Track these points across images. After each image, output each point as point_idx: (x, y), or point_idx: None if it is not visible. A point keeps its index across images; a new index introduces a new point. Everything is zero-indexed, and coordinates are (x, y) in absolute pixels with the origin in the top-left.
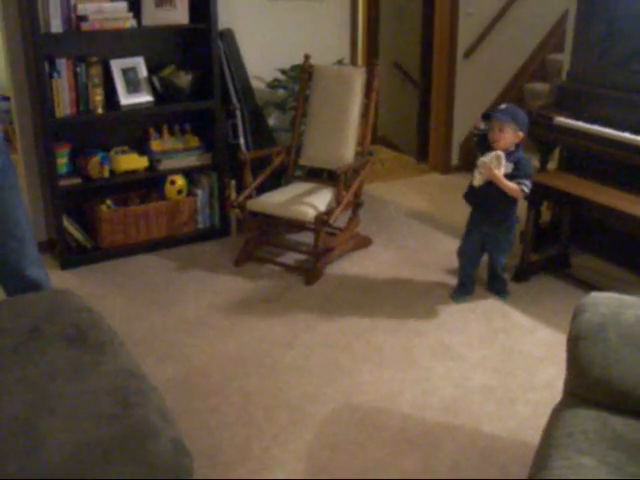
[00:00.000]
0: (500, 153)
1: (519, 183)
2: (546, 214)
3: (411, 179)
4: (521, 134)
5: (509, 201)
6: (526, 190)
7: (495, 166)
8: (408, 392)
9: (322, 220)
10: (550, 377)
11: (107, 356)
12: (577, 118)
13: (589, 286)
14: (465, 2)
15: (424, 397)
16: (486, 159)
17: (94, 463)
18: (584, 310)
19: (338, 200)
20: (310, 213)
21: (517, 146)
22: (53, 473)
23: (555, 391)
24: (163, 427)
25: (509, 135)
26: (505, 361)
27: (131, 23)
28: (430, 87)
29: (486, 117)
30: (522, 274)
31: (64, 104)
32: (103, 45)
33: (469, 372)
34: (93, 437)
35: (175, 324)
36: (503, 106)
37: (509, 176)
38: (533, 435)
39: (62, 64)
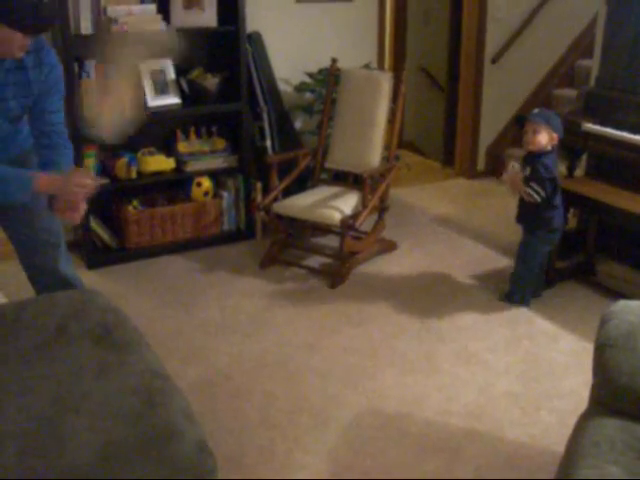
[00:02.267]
0: (513, 163)
1: (529, 186)
2: (573, 221)
3: (437, 184)
4: (555, 136)
5: (537, 208)
6: (532, 194)
7: (511, 176)
8: (432, 397)
9: (348, 224)
10: (575, 385)
11: (132, 356)
12: (605, 124)
13: (615, 293)
14: (494, 7)
15: (448, 402)
16: (505, 177)
17: (118, 463)
18: (612, 318)
19: (364, 204)
20: (336, 217)
21: (552, 148)
22: (78, 472)
23: (580, 399)
24: (187, 428)
25: (543, 137)
26: (529, 368)
27: (160, 26)
28: (457, 92)
29: (520, 120)
30: (548, 280)
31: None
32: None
33: (493, 378)
34: (117, 437)
35: (199, 326)
36: (537, 110)
37: (527, 179)
38: (557, 443)
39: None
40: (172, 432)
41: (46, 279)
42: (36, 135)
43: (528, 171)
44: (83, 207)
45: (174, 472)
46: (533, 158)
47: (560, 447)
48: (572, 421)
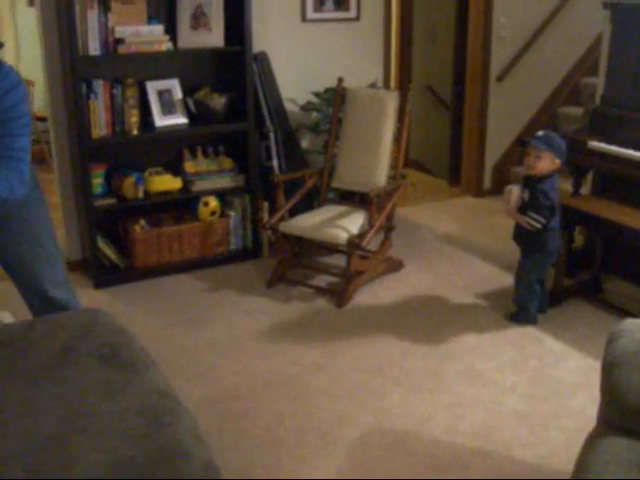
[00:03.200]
0: (510, 187)
1: (528, 215)
2: (579, 239)
3: (443, 202)
4: (558, 162)
5: (531, 233)
6: (533, 223)
7: (507, 201)
8: (439, 416)
9: (355, 243)
10: (583, 403)
11: (139, 376)
12: (611, 142)
13: (621, 311)
14: (499, 26)
15: (455, 421)
16: (503, 207)
17: None
18: (619, 336)
19: (371, 223)
20: (343, 236)
21: (552, 173)
22: None
23: (588, 418)
24: (195, 448)
25: (545, 163)
26: (537, 387)
27: (167, 46)
28: (462, 110)
29: (523, 143)
30: (554, 299)
31: (100, 125)
32: (139, 67)
33: (501, 397)
34: (124, 457)
35: (206, 345)
36: (541, 133)
37: (526, 205)
38: (566, 462)
39: (99, 85)
40: (180, 452)
41: (40, 304)
42: None
43: (527, 196)
44: None
45: None
46: (533, 182)
47: (568, 466)
48: (580, 440)
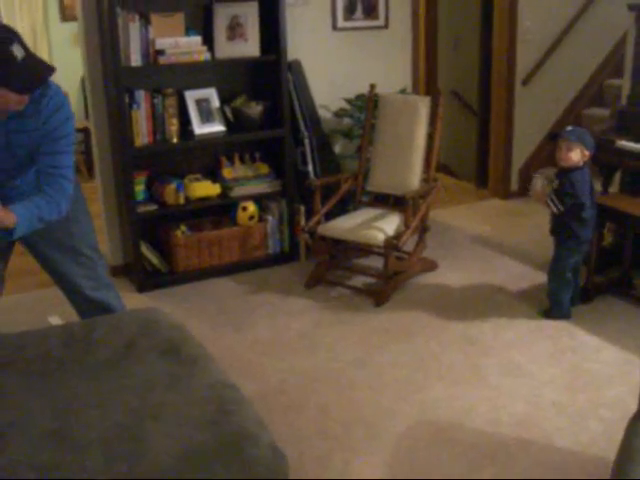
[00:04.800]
0: (536, 176)
1: (549, 197)
2: (607, 237)
3: (472, 205)
4: (587, 153)
5: (565, 221)
6: (550, 205)
7: (535, 190)
8: (480, 408)
9: (392, 244)
10: (620, 394)
11: (200, 369)
12: (638, 141)
13: None
14: (523, 30)
15: (496, 413)
16: (532, 191)
17: (199, 465)
18: None
19: (407, 224)
20: (380, 237)
21: (583, 165)
22: (161, 474)
23: (626, 408)
24: (260, 433)
25: (575, 154)
26: (574, 378)
27: (205, 56)
28: (489, 114)
29: (554, 136)
30: (586, 295)
31: (142, 133)
32: (178, 77)
33: (539, 389)
34: (196, 442)
35: (250, 344)
36: (570, 127)
37: (555, 192)
38: (607, 450)
39: (141, 95)
40: (247, 436)
41: (84, 305)
42: (37, 174)
43: (556, 184)
44: None
45: (252, 473)
46: (564, 173)
47: (609, 454)
48: (619, 429)
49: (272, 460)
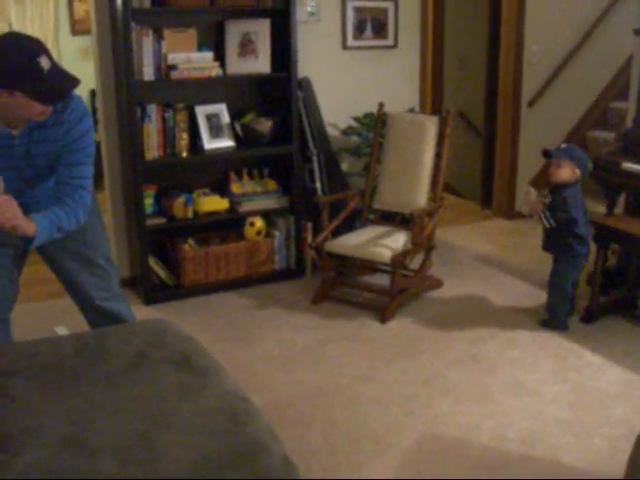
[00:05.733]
0: (528, 189)
1: (543, 212)
2: (611, 258)
3: (477, 224)
4: (578, 172)
5: (559, 235)
6: (543, 220)
7: (526, 202)
8: (486, 424)
9: (398, 261)
10: (625, 413)
11: (212, 379)
12: None
13: None
14: (529, 53)
15: (502, 429)
16: (524, 204)
17: (212, 474)
18: None
19: (414, 242)
20: (387, 254)
21: (574, 183)
22: None
23: (631, 427)
24: (272, 443)
25: (565, 172)
26: (579, 397)
27: (217, 72)
28: (494, 135)
29: (546, 154)
30: (591, 316)
31: (153, 147)
32: (189, 92)
33: (544, 406)
34: (208, 451)
35: (258, 358)
36: (563, 145)
37: (547, 207)
38: (614, 467)
39: (152, 109)
40: (260, 446)
41: (95, 315)
42: (56, 184)
43: (549, 200)
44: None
45: None
46: (556, 190)
47: (616, 471)
48: (626, 447)
49: (284, 471)
